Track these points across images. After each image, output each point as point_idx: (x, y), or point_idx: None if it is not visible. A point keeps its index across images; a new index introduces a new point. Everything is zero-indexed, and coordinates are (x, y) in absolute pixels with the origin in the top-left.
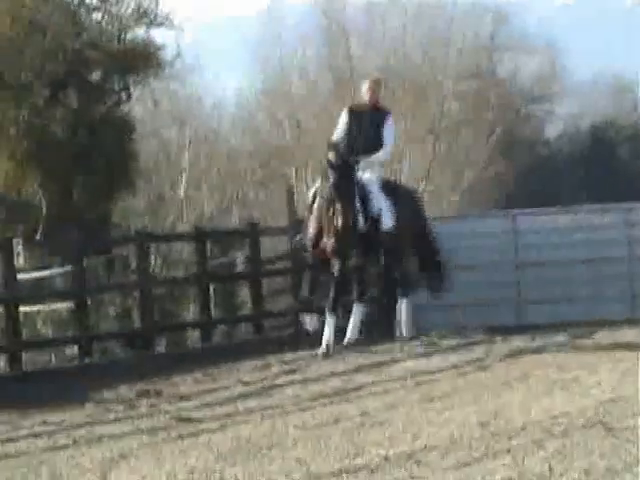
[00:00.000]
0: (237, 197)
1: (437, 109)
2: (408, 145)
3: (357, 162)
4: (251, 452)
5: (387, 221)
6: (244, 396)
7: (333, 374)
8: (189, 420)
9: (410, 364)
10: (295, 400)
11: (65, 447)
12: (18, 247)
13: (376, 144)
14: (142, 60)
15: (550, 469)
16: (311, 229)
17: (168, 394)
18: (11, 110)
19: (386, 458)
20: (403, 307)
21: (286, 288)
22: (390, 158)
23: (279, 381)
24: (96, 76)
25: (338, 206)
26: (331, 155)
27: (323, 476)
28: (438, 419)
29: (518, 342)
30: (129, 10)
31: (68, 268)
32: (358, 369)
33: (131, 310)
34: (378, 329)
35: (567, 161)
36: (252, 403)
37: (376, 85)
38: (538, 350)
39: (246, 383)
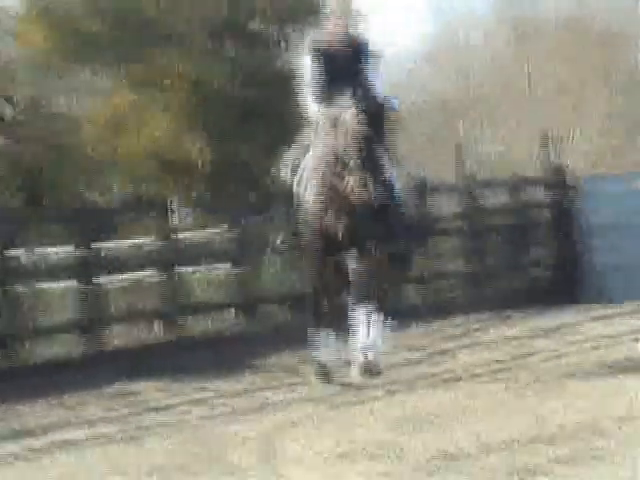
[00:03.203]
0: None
1: (621, 62)
2: (588, 99)
3: (387, 106)
4: (419, 422)
5: (398, 193)
6: (412, 363)
7: (507, 338)
8: (355, 388)
9: (589, 329)
10: (465, 367)
11: (225, 416)
12: (174, 206)
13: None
14: (303, 8)
15: None
16: (312, 207)
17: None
18: (167, 62)
19: (564, 428)
20: (375, 322)
21: (457, 250)
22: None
23: (448, 346)
24: (253, 25)
25: (358, 177)
26: (351, 99)
27: (496, 447)
28: (617, 387)
29: None
30: None
31: (229, 229)
32: (533, 333)
33: (295, 271)
34: (555, 291)
35: None
36: (420, 370)
37: (342, 21)
38: None
39: (414, 348)
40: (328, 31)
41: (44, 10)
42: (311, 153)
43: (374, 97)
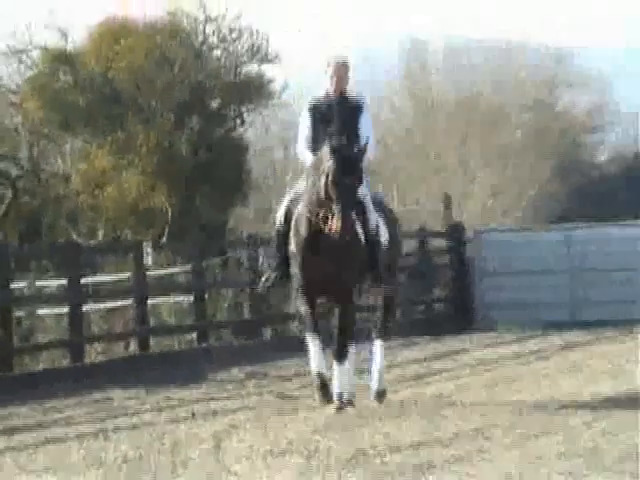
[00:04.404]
0: None
1: (505, 137)
2: (480, 167)
3: (364, 151)
4: (343, 427)
5: (384, 236)
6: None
7: (413, 361)
8: (290, 398)
9: (478, 353)
10: None
11: (185, 420)
12: (147, 249)
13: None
14: (255, 91)
15: (597, 445)
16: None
17: (273, 376)
18: (143, 131)
19: (457, 434)
20: (378, 351)
21: None
22: (375, 154)
23: (366, 366)
24: (215, 104)
25: (335, 208)
26: (329, 141)
27: (403, 448)
28: (502, 400)
29: (571, 336)
30: (244, 48)
31: (189, 267)
32: (434, 357)
33: (242, 303)
34: (452, 322)
35: (614, 182)
36: None
37: (344, 69)
38: (589, 343)
39: None
40: (326, 89)
41: (41, 87)
42: (301, 199)
43: (353, 144)
